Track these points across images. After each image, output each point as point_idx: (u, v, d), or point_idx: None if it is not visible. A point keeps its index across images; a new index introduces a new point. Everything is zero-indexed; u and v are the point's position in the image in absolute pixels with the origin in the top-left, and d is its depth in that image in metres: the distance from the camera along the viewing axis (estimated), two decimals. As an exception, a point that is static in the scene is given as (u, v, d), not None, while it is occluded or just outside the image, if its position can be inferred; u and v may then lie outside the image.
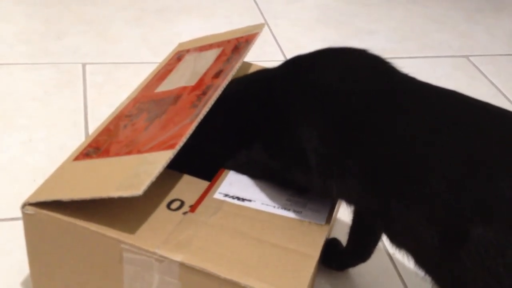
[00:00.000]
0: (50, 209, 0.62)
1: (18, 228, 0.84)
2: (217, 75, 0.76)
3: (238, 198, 0.68)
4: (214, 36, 0.92)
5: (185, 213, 0.65)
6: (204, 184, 0.69)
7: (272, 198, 0.69)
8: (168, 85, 0.80)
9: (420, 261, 0.60)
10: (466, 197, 0.54)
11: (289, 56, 1.35)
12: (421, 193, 0.56)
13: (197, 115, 0.66)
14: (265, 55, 1.35)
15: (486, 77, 1.38)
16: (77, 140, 1.00)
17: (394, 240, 0.62)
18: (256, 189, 0.70)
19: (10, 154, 0.97)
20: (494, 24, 1.65)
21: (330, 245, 0.81)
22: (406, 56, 1.41)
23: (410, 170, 0.57)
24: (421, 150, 0.58)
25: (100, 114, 1.08)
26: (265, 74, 0.78)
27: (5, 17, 1.38)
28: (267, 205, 0.68)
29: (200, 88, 0.74)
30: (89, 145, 0.70)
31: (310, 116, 0.65)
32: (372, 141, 0.61)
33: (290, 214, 0.67)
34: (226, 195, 0.68)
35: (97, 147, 0.69)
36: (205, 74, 0.78)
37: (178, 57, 0.88)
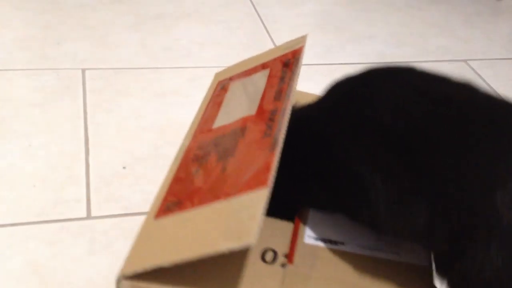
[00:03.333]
0: (147, 280, 0.56)
1: (17, 234, 0.84)
2: (277, 97, 0.72)
3: (331, 242, 0.65)
4: (253, 58, 0.87)
5: (283, 265, 0.61)
6: (286, 225, 0.66)
7: (363, 238, 0.65)
8: (225, 118, 0.75)
9: None
10: None
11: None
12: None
13: (275, 143, 0.62)
14: (264, 60, 1.35)
15: (484, 81, 1.38)
16: (76, 146, 1.00)
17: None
18: (343, 228, 0.67)
19: (9, 160, 0.97)
20: (492, 28, 1.65)
21: None
22: (405, 60, 1.41)
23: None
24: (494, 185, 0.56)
25: (100, 120, 1.08)
26: (309, 112, 0.73)
27: (3, 22, 1.38)
28: (362, 247, 0.64)
29: (264, 115, 0.70)
30: (166, 199, 0.65)
31: (371, 159, 0.62)
32: (442, 179, 0.58)
33: (389, 256, 0.63)
34: (316, 239, 0.65)
35: (176, 200, 0.64)
36: (262, 99, 0.74)
37: (222, 87, 0.84)
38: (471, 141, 0.58)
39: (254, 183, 0.58)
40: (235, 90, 0.81)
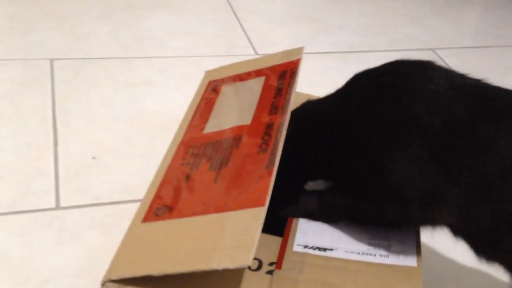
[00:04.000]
0: (133, 284, 0.55)
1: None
2: (273, 111, 0.71)
3: (319, 249, 0.65)
4: (247, 62, 0.87)
5: (269, 272, 0.62)
6: (273, 239, 0.66)
7: (353, 244, 0.66)
8: (217, 123, 0.74)
9: None
10: None
11: (260, 51, 1.37)
12: None
13: (273, 162, 0.62)
14: (235, 50, 1.35)
15: (451, 69, 1.40)
16: (45, 137, 0.99)
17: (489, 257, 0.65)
18: (333, 235, 0.67)
19: (-23, 151, 0.96)
20: (461, 18, 1.68)
21: None
22: (375, 50, 1.43)
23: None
24: None
25: (69, 111, 1.07)
26: (324, 103, 0.73)
27: (-30, 13, 1.36)
28: (351, 252, 0.65)
29: (260, 127, 0.69)
30: (154, 202, 0.64)
31: (405, 150, 0.62)
32: (474, 164, 0.60)
33: (378, 260, 0.64)
34: (305, 247, 0.65)
35: (165, 205, 0.63)
36: (258, 110, 0.73)
37: (213, 88, 0.83)
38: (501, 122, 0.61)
39: (250, 202, 0.58)
40: (228, 94, 0.80)
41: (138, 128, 1.05)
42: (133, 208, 0.86)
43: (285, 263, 0.63)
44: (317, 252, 0.64)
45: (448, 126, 0.61)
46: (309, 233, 0.67)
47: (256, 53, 1.35)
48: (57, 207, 0.86)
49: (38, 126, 1.02)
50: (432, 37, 1.54)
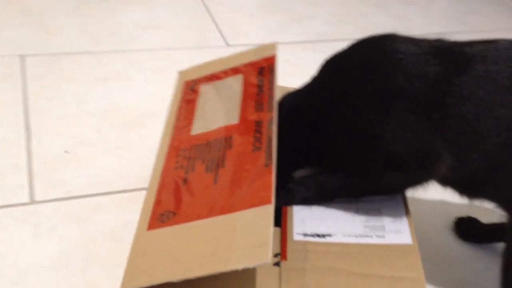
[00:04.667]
0: None
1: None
2: (259, 108, 0.72)
3: (318, 235, 0.68)
4: (220, 61, 0.87)
5: (276, 263, 0.64)
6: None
7: (349, 228, 0.69)
8: (203, 124, 0.75)
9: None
10: None
11: (231, 42, 1.38)
12: None
13: (270, 159, 0.63)
14: (206, 42, 1.36)
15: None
16: (17, 133, 1.00)
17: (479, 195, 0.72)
18: (329, 221, 0.70)
19: (-51, 149, 0.96)
20: (429, 6, 1.71)
21: (469, 221, 0.89)
22: (344, 38, 1.45)
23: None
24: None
25: (42, 106, 1.08)
26: (303, 93, 0.76)
27: None
28: (348, 236, 0.68)
29: (249, 126, 0.71)
30: (156, 209, 0.65)
31: (395, 118, 0.66)
32: (457, 114, 0.65)
33: (375, 240, 0.67)
34: (305, 235, 0.68)
35: (168, 210, 0.64)
36: (243, 108, 0.74)
37: (191, 88, 0.83)
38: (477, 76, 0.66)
39: (256, 201, 0.60)
40: (208, 94, 0.81)
41: (111, 122, 1.05)
42: (108, 200, 0.88)
43: (289, 254, 0.65)
44: (316, 239, 0.67)
45: (428, 86, 0.65)
46: (306, 221, 0.70)
47: (227, 44, 1.36)
48: (32, 201, 0.87)
49: (10, 122, 1.02)
50: (401, 25, 1.57)
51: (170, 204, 0.64)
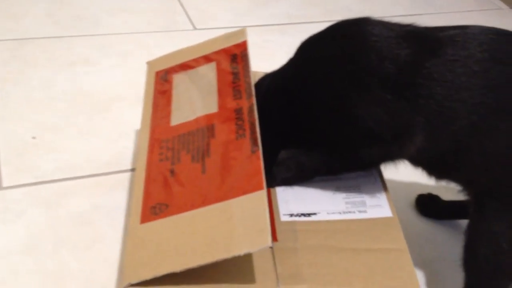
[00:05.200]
0: (154, 284, 0.57)
1: None
2: (237, 95, 0.73)
3: (304, 215, 0.69)
4: (190, 49, 0.86)
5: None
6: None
7: (332, 205, 0.71)
8: (182, 114, 0.75)
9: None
10: None
11: (199, 26, 1.38)
12: None
13: (257, 145, 0.65)
14: (174, 26, 1.36)
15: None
16: (-18, 119, 0.99)
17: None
18: (312, 200, 0.72)
19: None
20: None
21: (430, 198, 0.92)
22: (311, 21, 1.47)
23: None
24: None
25: (8, 92, 1.07)
26: (280, 75, 0.77)
27: None
28: (332, 213, 0.70)
29: (229, 114, 0.71)
30: (147, 201, 0.65)
31: (369, 96, 0.68)
32: (429, 94, 0.67)
33: (358, 216, 0.70)
34: (291, 215, 0.69)
35: (160, 202, 0.64)
36: (220, 96, 0.75)
37: (164, 79, 0.83)
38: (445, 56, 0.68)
39: (248, 187, 0.61)
40: (182, 84, 0.80)
41: (78, 107, 1.05)
42: (76, 185, 0.89)
43: (279, 235, 0.67)
44: (303, 219, 0.69)
45: (399, 67, 0.68)
46: (289, 202, 0.72)
47: (194, 28, 1.36)
48: (0, 187, 0.87)
49: (-25, 109, 1.02)
50: (367, 7, 1.59)
51: (161, 196, 0.65)
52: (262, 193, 0.60)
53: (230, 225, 0.59)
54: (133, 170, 0.92)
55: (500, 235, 0.69)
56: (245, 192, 0.61)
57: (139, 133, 0.76)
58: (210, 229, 0.60)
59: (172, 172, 0.67)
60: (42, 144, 0.96)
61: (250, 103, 0.70)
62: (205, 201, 0.62)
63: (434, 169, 0.75)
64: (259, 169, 0.62)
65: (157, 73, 0.84)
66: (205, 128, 0.71)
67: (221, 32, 1.38)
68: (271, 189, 0.73)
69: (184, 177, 0.66)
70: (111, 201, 0.86)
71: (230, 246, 0.57)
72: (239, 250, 0.56)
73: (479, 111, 0.66)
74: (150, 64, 0.87)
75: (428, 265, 0.81)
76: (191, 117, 0.74)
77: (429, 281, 0.68)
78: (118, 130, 1.01)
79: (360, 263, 0.64)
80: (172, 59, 0.86)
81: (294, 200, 0.72)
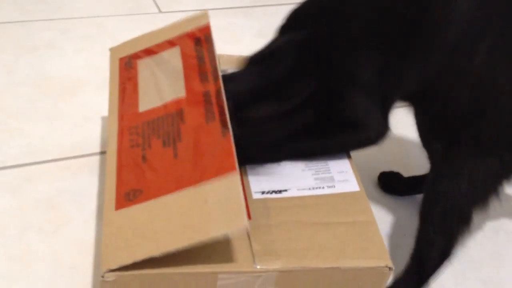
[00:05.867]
0: (133, 268, 0.58)
1: None
2: (203, 79, 0.73)
3: (275, 192, 0.71)
4: (152, 34, 0.86)
5: None
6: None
7: (302, 181, 0.73)
8: (150, 100, 0.75)
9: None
10: None
11: (164, 9, 1.38)
12: None
13: (226, 127, 0.66)
14: (139, 9, 1.36)
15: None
16: None
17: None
18: (282, 178, 0.73)
19: None
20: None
21: (391, 175, 0.95)
22: (275, 3, 1.47)
23: None
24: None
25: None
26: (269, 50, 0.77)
27: None
28: (303, 189, 0.71)
29: (197, 97, 0.72)
30: (120, 188, 0.65)
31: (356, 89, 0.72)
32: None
33: (327, 191, 0.72)
34: (263, 192, 0.71)
35: (134, 188, 0.65)
36: (187, 80, 0.75)
37: (128, 65, 0.82)
38: None
39: (221, 170, 0.62)
40: (147, 70, 0.80)
41: (42, 91, 1.05)
42: (41, 169, 0.89)
43: (252, 212, 0.68)
44: (274, 196, 0.71)
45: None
46: (261, 180, 0.73)
47: (160, 11, 1.36)
48: (-36, 173, 0.86)
49: None
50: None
51: (134, 182, 0.65)
52: (235, 175, 0.61)
53: (205, 208, 0.60)
54: (99, 153, 0.93)
55: (460, 177, 0.73)
56: (218, 174, 0.62)
57: (107, 121, 0.75)
58: (186, 213, 0.61)
59: (144, 158, 0.68)
60: (6, 128, 0.95)
61: (217, 86, 0.71)
62: (179, 186, 0.63)
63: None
64: (231, 151, 0.63)
65: (121, 59, 0.84)
66: (175, 113, 0.72)
67: (188, 15, 1.39)
68: (242, 168, 0.74)
69: (156, 163, 0.67)
70: (77, 185, 0.87)
71: (207, 229, 0.58)
72: (215, 232, 0.57)
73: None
74: (112, 50, 0.87)
75: (391, 239, 0.85)
76: (159, 102, 0.74)
77: (391, 255, 0.71)
78: (83, 114, 1.01)
79: (332, 236, 0.66)
80: (135, 45, 0.85)
81: (265, 177, 0.73)
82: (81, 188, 0.86)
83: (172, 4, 1.40)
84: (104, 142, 0.95)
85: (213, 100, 0.70)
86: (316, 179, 0.74)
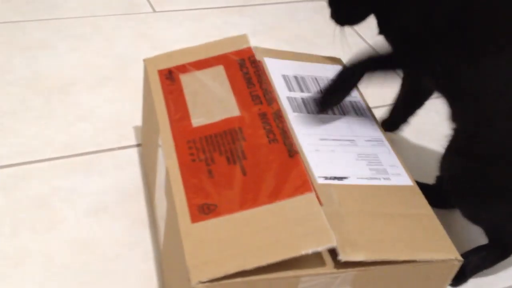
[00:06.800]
0: (221, 278, 0.59)
1: None
2: (257, 101, 0.75)
3: (337, 178, 0.70)
4: (189, 50, 0.85)
5: None
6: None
7: (358, 170, 0.72)
8: (202, 116, 0.75)
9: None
10: None
11: (158, 9, 1.38)
12: None
13: (295, 150, 0.67)
14: (133, 8, 1.36)
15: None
16: None
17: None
18: (339, 165, 0.72)
19: None
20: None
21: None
22: (269, 2, 1.48)
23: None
24: None
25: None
26: None
27: None
28: (361, 178, 0.71)
29: (254, 118, 0.73)
30: (192, 201, 0.65)
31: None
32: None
33: (383, 182, 0.71)
34: (325, 178, 0.69)
35: (207, 203, 0.65)
36: (239, 100, 0.75)
37: (170, 79, 0.81)
38: None
39: (297, 190, 0.64)
40: (192, 85, 0.80)
41: (35, 91, 1.05)
42: (34, 168, 0.89)
43: (322, 198, 0.66)
44: (336, 182, 0.70)
45: None
46: (319, 165, 0.71)
47: (154, 10, 1.36)
48: (-44, 173, 0.86)
49: None
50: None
51: (205, 196, 0.66)
52: (312, 196, 0.63)
53: (288, 224, 0.61)
54: (91, 153, 0.93)
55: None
56: (293, 194, 0.64)
57: (160, 133, 0.74)
58: (270, 229, 0.62)
59: (210, 172, 0.68)
60: (-2, 129, 0.95)
61: (274, 109, 0.73)
62: (254, 203, 0.64)
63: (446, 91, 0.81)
64: (303, 171, 0.65)
65: (160, 72, 0.83)
66: (233, 131, 0.72)
67: (182, 14, 1.39)
68: (299, 153, 0.72)
69: (225, 178, 0.67)
70: (70, 184, 0.87)
71: (295, 245, 0.59)
72: (305, 250, 0.59)
73: None
74: (147, 61, 0.86)
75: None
76: (212, 119, 0.74)
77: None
78: (75, 113, 1.01)
79: (401, 228, 0.66)
80: (171, 58, 0.85)
81: (323, 163, 0.72)
82: (73, 187, 0.86)
83: (165, 4, 1.40)
84: (96, 142, 0.95)
85: (272, 122, 0.72)
86: (371, 169, 0.73)
